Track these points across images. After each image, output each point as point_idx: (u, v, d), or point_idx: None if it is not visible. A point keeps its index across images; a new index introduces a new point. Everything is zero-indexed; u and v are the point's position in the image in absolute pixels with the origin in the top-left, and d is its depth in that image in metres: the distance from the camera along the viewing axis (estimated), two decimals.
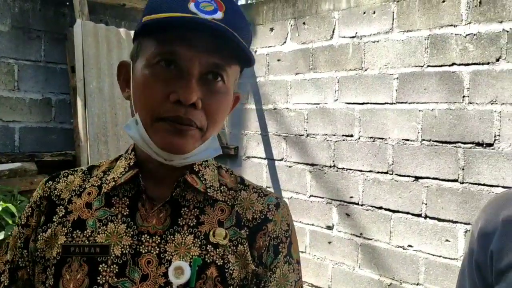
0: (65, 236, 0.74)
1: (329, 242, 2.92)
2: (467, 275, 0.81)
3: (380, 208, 2.66)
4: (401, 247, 2.57)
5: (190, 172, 0.77)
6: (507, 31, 2.18)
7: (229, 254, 0.73)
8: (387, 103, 2.62)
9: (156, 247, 0.72)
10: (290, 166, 3.15)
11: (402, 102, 2.56)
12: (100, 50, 3.04)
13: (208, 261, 0.71)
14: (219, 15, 0.69)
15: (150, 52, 0.70)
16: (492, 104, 2.23)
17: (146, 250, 0.72)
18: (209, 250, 0.72)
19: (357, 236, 2.77)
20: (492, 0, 2.23)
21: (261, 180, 3.34)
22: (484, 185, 2.25)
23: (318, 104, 2.97)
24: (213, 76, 0.71)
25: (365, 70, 2.72)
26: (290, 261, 0.78)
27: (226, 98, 0.74)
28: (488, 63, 2.24)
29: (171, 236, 0.73)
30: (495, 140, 2.22)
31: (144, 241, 0.72)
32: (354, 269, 2.79)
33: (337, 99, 2.87)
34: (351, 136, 2.80)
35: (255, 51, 3.37)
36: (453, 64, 2.36)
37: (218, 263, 0.71)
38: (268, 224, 0.77)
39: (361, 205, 2.75)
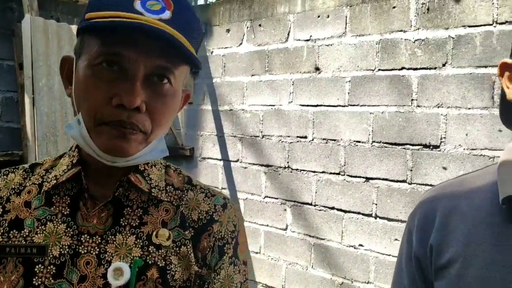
0: (1, 236, 0.71)
1: (284, 243, 2.94)
2: (405, 271, 0.80)
3: (333, 208, 2.70)
4: (352, 246, 2.62)
5: (135, 171, 0.76)
6: (453, 38, 2.27)
7: (171, 255, 0.72)
8: (340, 106, 2.68)
9: (96, 248, 0.70)
10: (245, 167, 3.16)
11: (354, 105, 2.62)
12: (50, 47, 2.94)
13: (150, 262, 0.70)
14: (166, 14, 0.68)
15: (93, 52, 0.67)
16: (438, 107, 2.32)
17: (85, 251, 0.70)
18: (151, 251, 0.71)
19: (310, 236, 2.81)
20: (439, 7, 2.32)
21: (216, 181, 3.33)
22: (431, 185, 2.33)
23: (274, 105, 2.99)
24: (159, 78, 0.69)
25: (319, 73, 2.77)
26: (236, 262, 0.77)
27: (174, 101, 0.73)
28: (435, 68, 2.33)
29: (112, 237, 0.71)
30: (441, 142, 2.31)
31: (83, 241, 0.70)
32: (307, 269, 2.83)
33: (291, 101, 2.90)
34: (305, 137, 2.83)
35: (212, 52, 3.36)
36: (403, 68, 2.44)
37: (160, 265, 0.70)
38: (214, 224, 0.76)
39: (314, 206, 2.79)
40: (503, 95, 0.74)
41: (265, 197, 3.05)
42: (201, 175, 3.43)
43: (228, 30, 3.27)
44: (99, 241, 0.71)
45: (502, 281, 0.64)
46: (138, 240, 0.71)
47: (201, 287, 0.73)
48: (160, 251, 0.71)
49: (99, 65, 0.67)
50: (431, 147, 2.33)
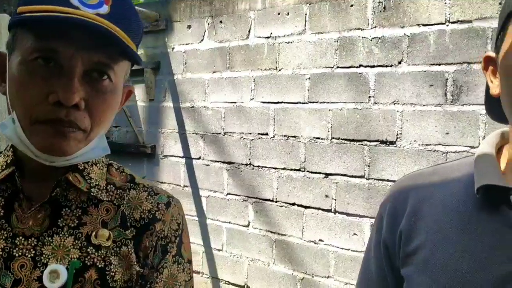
0: None
1: (246, 239, 2.95)
2: (373, 259, 0.80)
3: (293, 204, 2.73)
4: (312, 241, 2.65)
5: (74, 170, 0.74)
6: (408, 36, 2.33)
7: (111, 255, 0.71)
8: (300, 103, 2.70)
9: (31, 250, 0.68)
10: (207, 165, 3.14)
11: (313, 102, 2.65)
12: (2, 42, 2.84)
13: (88, 263, 0.69)
14: (104, 9, 0.66)
15: (27, 47, 0.65)
16: (394, 104, 2.37)
17: (20, 253, 0.68)
18: (90, 252, 0.70)
19: (272, 232, 2.83)
20: (395, 6, 2.37)
21: (178, 179, 3.30)
22: (387, 180, 2.38)
23: (235, 102, 2.99)
24: (99, 74, 0.67)
25: (279, 70, 2.78)
26: (180, 261, 0.77)
27: (114, 97, 0.71)
28: (391, 66, 2.38)
29: (49, 238, 0.69)
30: (397, 138, 2.36)
31: (18, 243, 0.68)
32: (269, 265, 2.85)
33: (253, 98, 2.91)
34: (266, 134, 2.85)
35: (173, 48, 3.32)
36: (360, 66, 2.48)
37: (99, 266, 0.69)
38: (156, 223, 0.75)
39: (276, 202, 2.81)
40: (487, 89, 0.74)
41: (227, 194, 3.04)
42: (163, 173, 3.40)
43: (189, 26, 3.24)
44: (35, 243, 0.69)
45: (468, 268, 0.64)
46: (76, 241, 0.70)
47: (144, 287, 0.73)
48: (99, 252, 0.70)
49: (34, 61, 0.65)
50: (388, 143, 2.38)
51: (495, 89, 0.69)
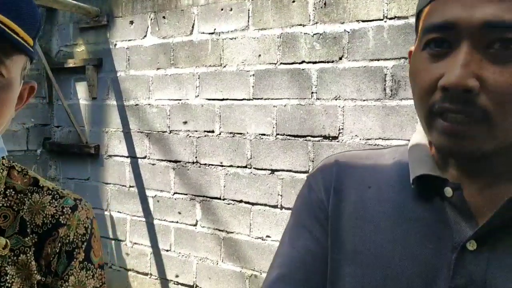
0: None
1: (194, 238, 2.91)
2: (307, 234, 0.72)
3: (241, 201, 2.71)
4: (260, 238, 2.65)
5: None
6: (348, 32, 2.35)
7: (8, 265, 0.66)
8: (245, 99, 2.68)
9: None
10: (153, 164, 3.07)
11: (258, 98, 2.63)
12: None
13: None
14: None
15: None
16: (336, 99, 2.39)
17: None
18: None
19: (220, 230, 2.80)
20: (335, 2, 2.39)
21: (124, 179, 3.21)
22: None
23: (180, 100, 2.94)
24: None
25: (224, 66, 2.75)
26: (89, 267, 0.73)
27: (7, 94, 0.66)
28: (332, 61, 2.40)
29: None
30: (339, 133, 2.39)
31: None
32: (217, 264, 2.82)
33: (198, 95, 2.86)
34: (212, 132, 2.81)
35: (115, 45, 3.23)
36: (303, 62, 2.48)
37: None
38: (60, 229, 0.71)
39: (223, 200, 2.78)
40: None
41: (174, 193, 2.99)
42: (107, 174, 3.30)
43: (131, 22, 3.15)
44: None
45: (399, 260, 0.63)
46: None
47: None
48: None
49: None
50: (330, 138, 2.41)
51: None
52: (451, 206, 0.62)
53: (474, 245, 0.59)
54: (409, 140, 0.73)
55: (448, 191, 0.62)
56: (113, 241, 3.29)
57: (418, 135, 0.71)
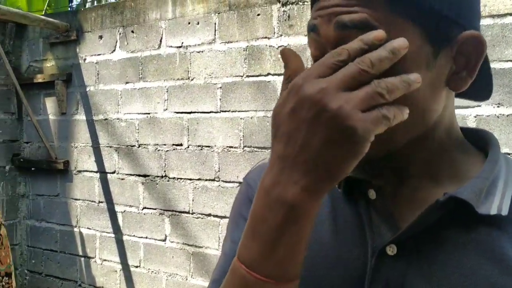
0: None
1: (163, 254, 2.87)
2: (246, 217, 0.70)
3: (209, 215, 2.68)
4: None
5: None
6: None
7: None
8: (212, 112, 2.68)
9: None
10: (122, 179, 3.04)
11: (225, 111, 2.63)
12: None
13: None
14: None
15: None
16: None
17: None
18: None
19: (189, 245, 2.77)
20: (298, 15, 2.42)
21: (93, 194, 3.16)
22: None
23: (149, 113, 2.92)
24: None
25: (192, 79, 2.75)
26: None
27: None
28: None
29: None
30: None
31: None
32: (187, 279, 2.78)
33: (166, 109, 2.85)
34: (181, 145, 2.79)
35: (84, 59, 3.21)
36: (268, 74, 2.49)
37: None
38: None
39: (192, 214, 2.75)
40: None
41: (143, 208, 2.95)
42: (76, 189, 3.25)
43: (100, 37, 3.14)
44: None
45: (324, 264, 0.61)
46: None
47: None
48: None
49: None
50: None
51: None
52: (375, 209, 0.61)
53: (394, 249, 0.57)
54: None
55: (372, 194, 0.61)
56: (82, 258, 3.22)
57: None
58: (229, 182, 2.61)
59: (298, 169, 0.47)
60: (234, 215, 0.76)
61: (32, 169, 3.43)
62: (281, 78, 2.45)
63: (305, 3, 2.40)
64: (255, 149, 2.53)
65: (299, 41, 2.40)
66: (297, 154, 0.47)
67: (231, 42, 2.61)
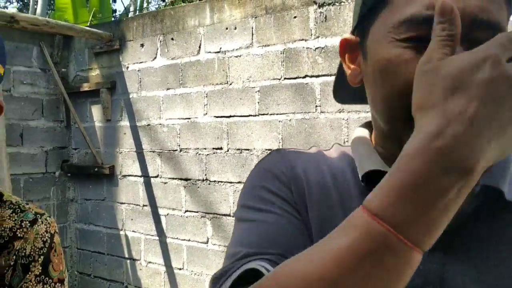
0: None
1: (206, 256, 2.91)
2: (272, 196, 0.64)
3: None
4: None
5: None
6: None
7: None
8: (251, 115, 2.70)
9: None
10: (165, 182, 3.11)
11: (264, 114, 2.65)
12: None
13: None
14: None
15: None
16: (340, 112, 2.38)
17: None
18: None
19: None
20: (335, 16, 2.40)
21: (138, 198, 3.26)
22: None
23: (189, 118, 2.98)
24: None
25: (230, 84, 2.79)
26: (46, 281, 0.74)
27: None
28: (335, 74, 2.39)
29: None
30: (345, 143, 2.36)
31: None
32: None
33: (206, 113, 2.90)
34: (221, 148, 2.83)
35: (127, 67, 3.31)
36: (306, 76, 2.49)
37: None
38: (16, 242, 0.73)
39: (233, 216, 2.78)
40: (341, 72, 0.69)
41: (186, 211, 3.01)
42: (122, 193, 3.35)
43: (142, 45, 3.23)
44: None
45: None
46: None
47: None
48: None
49: None
50: None
51: (355, 77, 0.64)
52: None
53: None
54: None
55: None
56: (128, 260, 3.32)
57: (360, 132, 0.70)
58: None
59: (489, 136, 0.42)
60: (255, 189, 0.66)
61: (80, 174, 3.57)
62: (318, 80, 2.44)
63: (342, 3, 2.38)
64: None
65: (336, 42, 2.38)
66: (492, 120, 0.43)
67: (268, 45, 2.63)
